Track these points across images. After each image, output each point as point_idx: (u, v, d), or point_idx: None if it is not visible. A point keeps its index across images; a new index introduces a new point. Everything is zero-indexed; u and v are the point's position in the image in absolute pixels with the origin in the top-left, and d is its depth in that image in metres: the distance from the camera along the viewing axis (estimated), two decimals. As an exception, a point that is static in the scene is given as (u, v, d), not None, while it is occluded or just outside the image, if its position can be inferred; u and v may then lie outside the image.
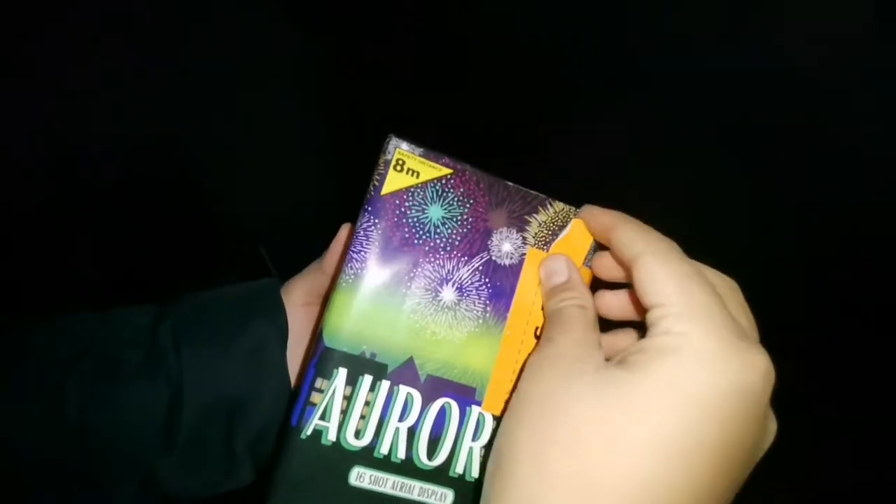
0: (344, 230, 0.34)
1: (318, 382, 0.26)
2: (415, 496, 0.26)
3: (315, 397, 0.25)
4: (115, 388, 0.31)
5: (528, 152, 1.06)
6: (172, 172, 0.92)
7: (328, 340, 0.26)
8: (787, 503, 0.89)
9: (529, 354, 0.25)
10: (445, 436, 0.27)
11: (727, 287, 0.25)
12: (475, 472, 0.27)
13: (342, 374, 0.26)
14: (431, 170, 0.28)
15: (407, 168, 0.28)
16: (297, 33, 1.03)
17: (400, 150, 0.28)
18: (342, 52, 1.03)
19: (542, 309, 0.28)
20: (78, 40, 0.83)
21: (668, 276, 0.22)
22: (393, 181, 0.27)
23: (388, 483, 0.26)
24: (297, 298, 0.37)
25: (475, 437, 0.27)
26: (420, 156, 0.28)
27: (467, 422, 0.27)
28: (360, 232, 0.27)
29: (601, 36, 0.99)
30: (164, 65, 0.90)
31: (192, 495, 0.34)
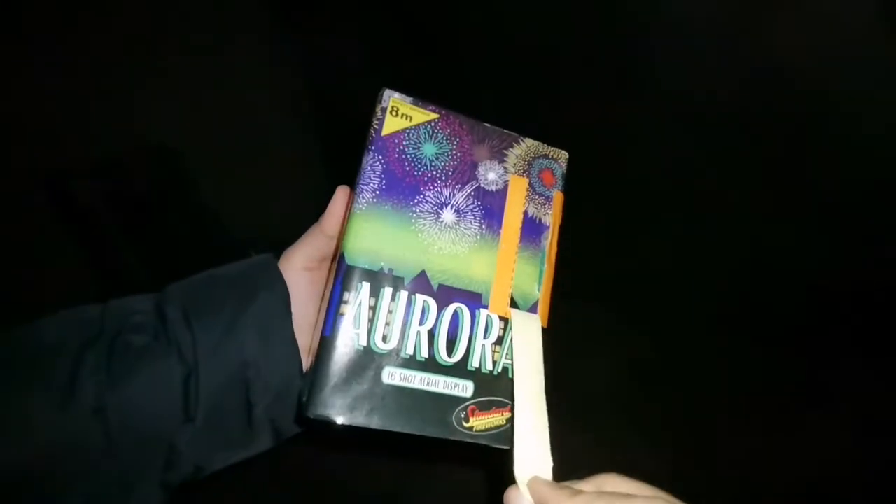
0: (340, 191, 0.38)
1: (345, 296, 0.29)
2: (440, 389, 0.29)
3: (343, 308, 0.29)
4: (127, 371, 0.32)
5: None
6: (164, 179, 0.92)
7: (349, 259, 0.29)
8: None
9: None
10: (461, 336, 0.30)
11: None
12: (489, 365, 0.31)
13: (365, 287, 0.29)
14: (421, 114, 0.33)
15: (401, 113, 0.32)
16: (293, 38, 1.03)
17: (394, 98, 0.32)
18: (333, 58, 1.02)
19: None
20: (71, 47, 0.82)
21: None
22: (390, 124, 0.32)
23: (416, 379, 0.29)
24: (297, 264, 0.39)
25: (486, 336, 0.31)
26: (411, 103, 0.33)
27: (478, 322, 0.31)
28: (366, 168, 0.31)
29: (601, 36, 0.97)
30: (157, 72, 0.90)
31: (218, 465, 0.35)
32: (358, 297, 0.29)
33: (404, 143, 0.32)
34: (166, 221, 0.91)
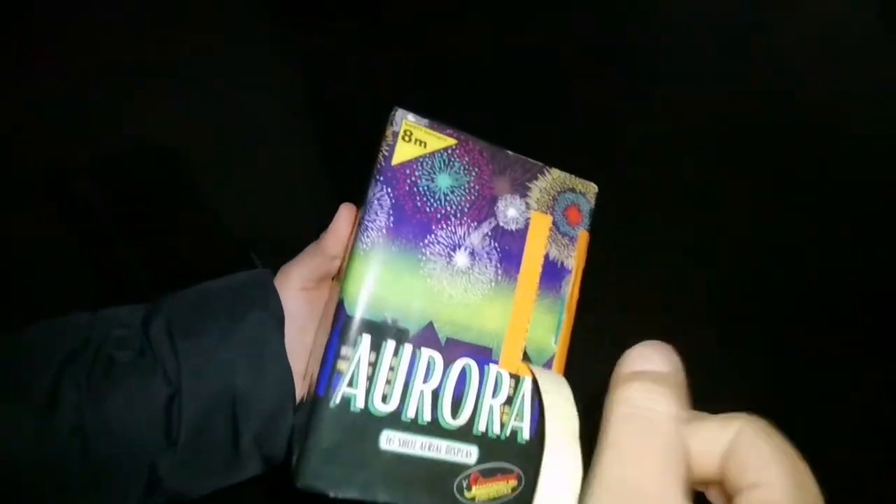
0: (344, 209, 0.34)
1: (343, 351, 0.26)
2: (442, 455, 0.27)
3: (341, 365, 0.25)
4: (109, 388, 0.30)
5: (528, 152, 1.07)
6: (163, 179, 0.91)
7: (349, 309, 0.26)
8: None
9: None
10: (467, 395, 0.28)
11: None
12: (497, 429, 0.28)
13: (366, 340, 0.26)
14: (438, 140, 0.29)
15: (415, 139, 0.28)
16: (290, 40, 1.02)
17: (407, 121, 0.28)
18: (333, 58, 1.02)
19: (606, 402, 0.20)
20: (72, 46, 0.82)
21: (774, 456, 0.17)
22: (402, 151, 0.28)
23: (417, 444, 0.26)
24: (295, 283, 0.36)
25: (494, 395, 0.28)
26: (426, 127, 0.29)
27: (486, 381, 0.28)
28: (373, 202, 0.27)
29: (600, 36, 0.97)
30: (158, 72, 0.89)
31: (200, 491, 0.33)
32: (357, 353, 0.26)
33: (417, 173, 0.28)
34: (166, 221, 0.89)
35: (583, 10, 0.95)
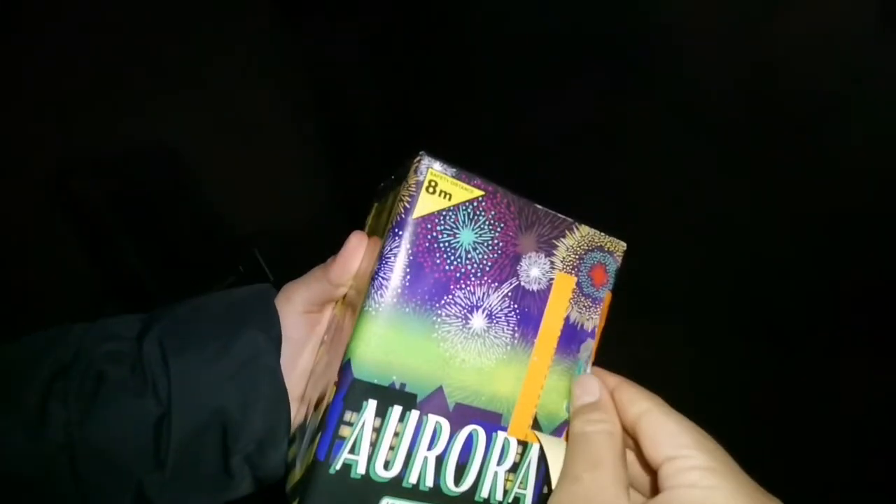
0: (355, 238, 0.33)
1: (347, 416, 0.25)
2: None
3: (344, 431, 0.24)
4: (99, 406, 0.29)
5: (528, 152, 1.05)
6: (167, 177, 0.91)
7: (357, 372, 0.25)
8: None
9: (554, 490, 0.25)
10: (472, 462, 0.27)
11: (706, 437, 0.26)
12: (499, 496, 0.27)
13: (371, 406, 0.25)
14: (463, 192, 0.27)
15: (439, 190, 0.26)
16: (292, 39, 1.02)
17: (433, 170, 0.26)
18: (335, 57, 1.02)
19: (568, 428, 0.28)
20: (73, 47, 0.82)
21: (682, 430, 0.23)
22: (425, 203, 0.26)
23: None
24: (297, 305, 0.35)
25: (500, 462, 0.27)
26: (452, 177, 0.27)
27: (493, 447, 0.27)
28: (388, 257, 0.26)
29: (599, 36, 0.96)
30: (160, 71, 0.89)
31: None
32: (362, 419, 0.25)
33: (439, 227, 0.26)
34: (168, 219, 0.89)
35: (583, 11, 0.94)
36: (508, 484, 0.27)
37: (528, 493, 0.28)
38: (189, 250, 0.87)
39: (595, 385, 0.28)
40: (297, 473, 0.27)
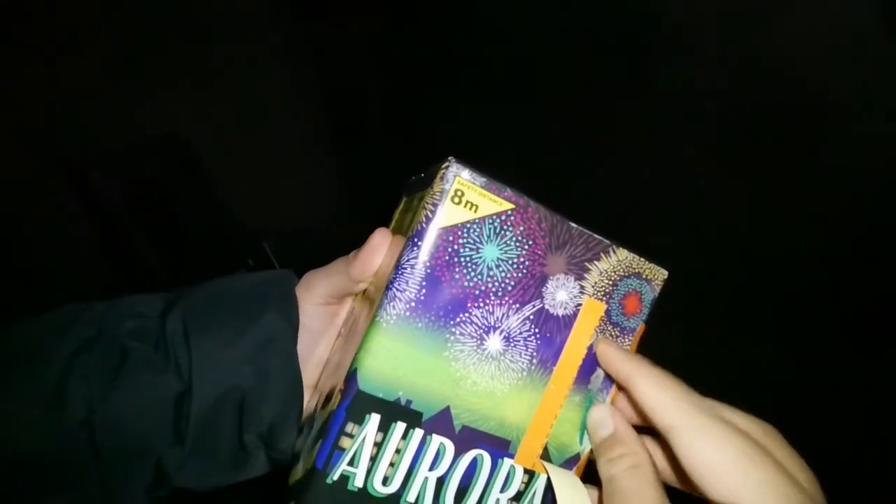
0: (378, 236, 0.32)
1: (349, 427, 0.24)
2: None
3: (344, 442, 0.24)
4: (120, 382, 0.30)
5: (529, 147, 1.02)
6: (178, 170, 0.93)
7: (362, 383, 0.24)
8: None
9: None
10: (474, 486, 0.26)
11: (770, 437, 0.24)
12: None
13: (374, 419, 0.24)
14: (492, 204, 0.25)
15: (466, 200, 0.24)
16: (304, 34, 1.03)
17: (461, 179, 0.24)
18: (345, 51, 1.03)
19: (598, 466, 0.26)
20: (80, 40, 0.83)
21: (725, 462, 0.21)
22: (449, 214, 0.24)
23: None
24: (317, 297, 0.35)
25: (503, 489, 0.26)
26: (482, 187, 0.25)
27: (497, 474, 0.26)
28: (406, 267, 0.24)
29: (600, 36, 0.96)
30: (170, 65, 0.90)
31: (205, 488, 0.33)
32: (363, 431, 0.24)
33: (461, 240, 0.25)
34: (180, 211, 0.90)
35: (582, 10, 0.93)
36: None
37: None
38: (199, 243, 0.87)
39: (608, 415, 0.26)
40: (299, 472, 0.27)
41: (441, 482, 0.25)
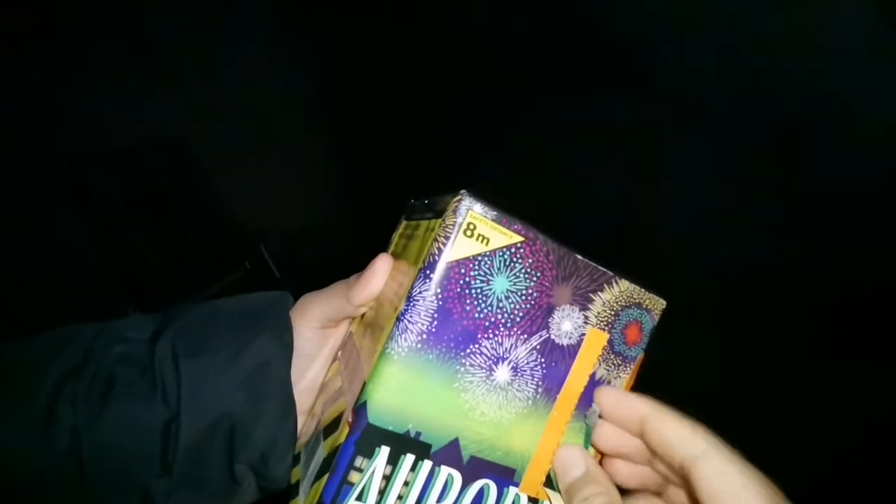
0: (380, 262, 0.32)
1: (358, 461, 0.24)
2: None
3: (353, 476, 0.24)
4: (108, 409, 0.29)
5: (528, 150, 1.03)
6: (177, 173, 0.93)
7: (372, 416, 0.24)
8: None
9: None
10: None
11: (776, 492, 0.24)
12: None
13: (384, 452, 0.24)
14: (502, 236, 0.25)
15: (477, 234, 0.25)
16: (304, 37, 1.03)
17: (473, 213, 0.25)
18: (344, 53, 1.03)
19: None
20: (80, 41, 0.83)
21: (749, 493, 0.21)
22: (461, 247, 0.25)
23: None
24: (314, 320, 0.34)
25: None
26: (493, 220, 0.25)
27: (504, 502, 0.26)
28: (416, 300, 0.24)
29: (602, 37, 0.96)
30: (169, 66, 0.89)
31: None
32: (373, 465, 0.24)
33: (472, 273, 0.25)
34: (178, 212, 0.90)
35: (582, 10, 0.93)
36: None
37: None
38: (197, 245, 0.87)
39: (578, 456, 0.27)
40: None
41: None
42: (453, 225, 0.24)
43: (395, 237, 0.35)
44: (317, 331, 0.35)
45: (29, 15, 0.77)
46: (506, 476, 0.26)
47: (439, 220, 0.25)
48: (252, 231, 0.92)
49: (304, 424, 0.35)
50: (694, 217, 1.00)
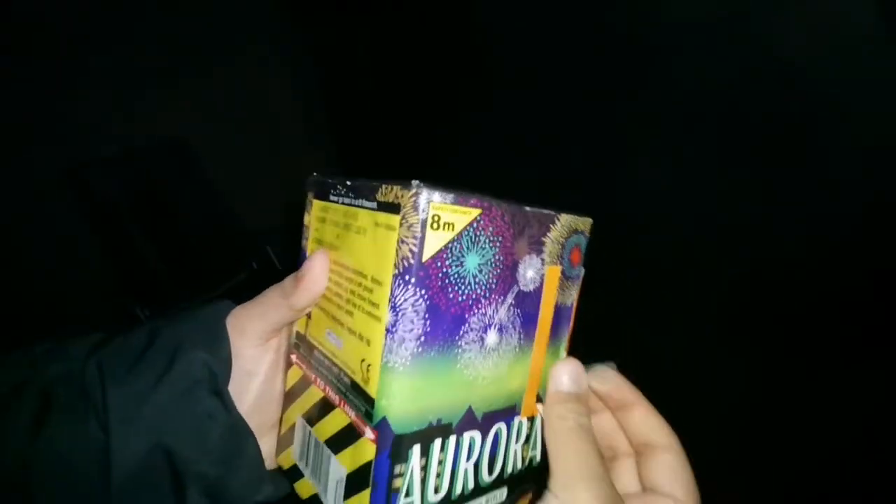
0: (319, 261, 0.29)
1: (397, 469, 0.25)
2: None
3: (396, 483, 0.25)
4: (45, 430, 0.28)
5: (528, 150, 0.94)
6: (179, 173, 0.90)
7: (396, 427, 0.24)
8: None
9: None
10: (499, 452, 0.29)
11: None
12: (519, 465, 0.31)
13: (416, 450, 0.25)
14: (464, 216, 0.25)
15: (443, 223, 0.24)
16: (305, 36, 1.00)
17: (434, 203, 0.23)
18: (345, 53, 1.00)
19: (544, 415, 0.29)
20: (81, 42, 0.80)
21: (685, 480, 0.28)
22: (432, 242, 0.24)
23: None
24: (254, 338, 0.32)
25: (517, 441, 0.31)
26: (452, 203, 0.24)
27: (512, 434, 0.30)
28: (405, 308, 0.24)
29: (599, 36, 0.92)
30: (171, 68, 0.86)
31: None
32: (410, 465, 0.25)
33: (448, 261, 0.24)
34: (182, 213, 0.89)
35: (582, 10, 0.91)
36: (525, 453, 0.31)
37: (538, 452, 0.32)
38: (202, 246, 0.86)
39: (581, 373, 0.30)
40: None
41: (477, 465, 0.28)
42: (418, 223, 0.23)
43: (313, 221, 0.32)
44: (259, 347, 0.32)
45: (29, 15, 0.76)
46: (510, 414, 0.30)
47: (396, 217, 0.24)
48: (258, 231, 0.88)
49: (282, 437, 0.34)
50: (694, 217, 0.99)
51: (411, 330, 0.24)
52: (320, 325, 0.30)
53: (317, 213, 0.33)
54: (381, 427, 0.24)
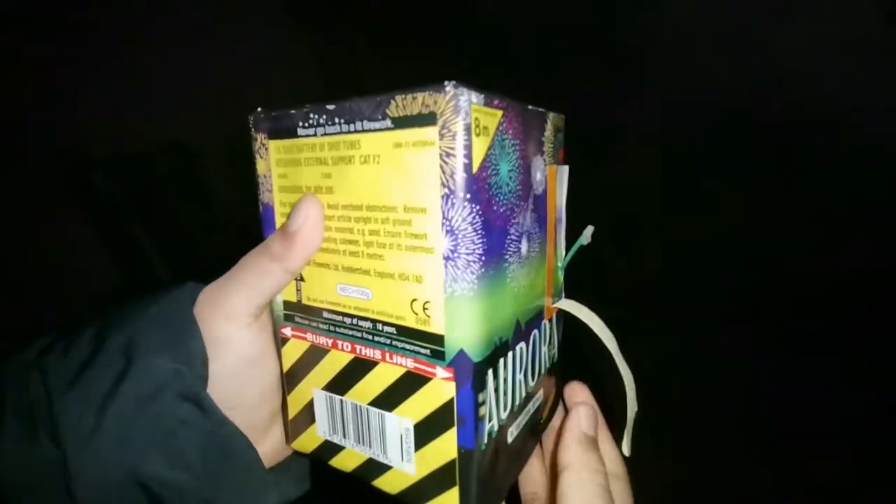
0: (313, 208, 0.25)
1: (480, 397, 0.23)
2: (531, 414, 0.30)
3: (482, 411, 0.24)
4: (12, 443, 0.25)
5: None
6: (182, 174, 0.91)
7: (473, 356, 0.23)
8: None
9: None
10: (538, 357, 0.30)
11: None
12: (547, 364, 0.32)
13: (490, 374, 0.24)
14: (493, 119, 0.23)
15: (482, 127, 0.21)
16: (299, 34, 1.01)
17: (474, 105, 0.21)
18: (346, 55, 1.02)
19: (558, 462, 0.28)
20: (80, 41, 0.83)
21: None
22: (478, 149, 0.21)
23: (521, 423, 0.29)
24: (243, 316, 0.27)
25: (545, 343, 0.31)
26: (485, 105, 0.22)
27: (543, 337, 0.31)
28: (464, 229, 0.21)
29: (601, 38, 0.90)
30: (173, 68, 0.88)
31: None
32: (488, 391, 0.24)
33: (490, 170, 0.22)
34: (185, 215, 0.88)
35: (581, 10, 0.89)
36: (550, 352, 0.32)
37: (556, 350, 0.34)
38: (203, 246, 0.86)
39: (594, 417, 0.31)
40: (411, 475, 0.25)
41: (526, 373, 0.28)
42: (462, 129, 0.20)
43: (273, 167, 0.27)
44: (252, 328, 0.27)
45: (29, 14, 0.78)
46: (540, 318, 0.30)
47: (433, 129, 0.21)
48: (259, 232, 0.70)
49: (293, 420, 0.29)
50: (693, 217, 0.98)
51: (473, 251, 0.22)
52: (324, 283, 0.26)
53: (278, 157, 0.27)
54: (458, 361, 0.22)
